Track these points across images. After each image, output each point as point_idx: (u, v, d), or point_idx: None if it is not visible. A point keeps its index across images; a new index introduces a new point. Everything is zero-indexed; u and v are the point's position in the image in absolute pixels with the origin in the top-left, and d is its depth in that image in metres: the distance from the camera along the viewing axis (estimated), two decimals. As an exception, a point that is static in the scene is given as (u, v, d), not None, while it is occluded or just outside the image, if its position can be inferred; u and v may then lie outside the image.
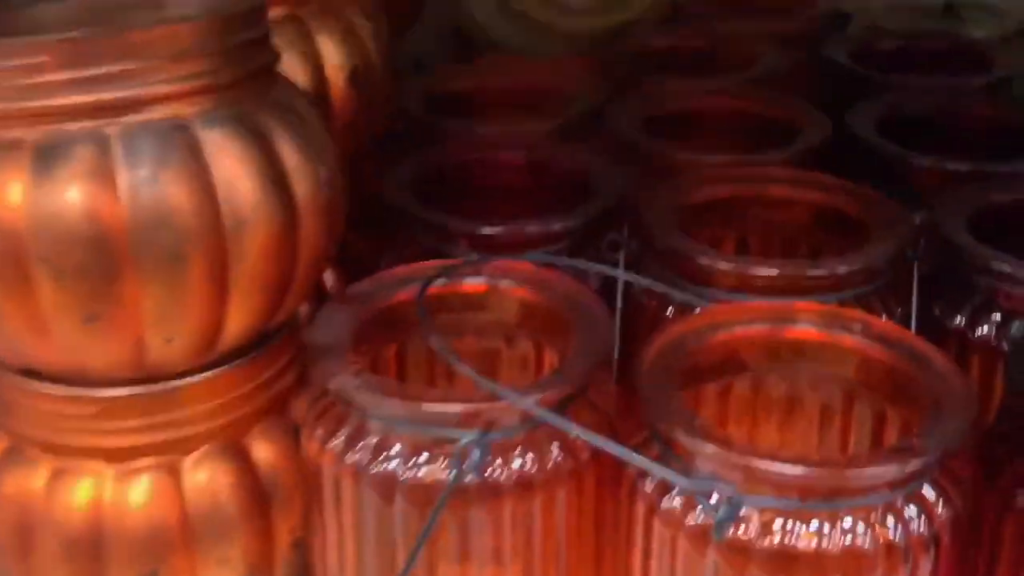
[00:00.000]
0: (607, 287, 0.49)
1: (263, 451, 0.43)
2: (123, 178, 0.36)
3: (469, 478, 0.36)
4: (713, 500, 0.34)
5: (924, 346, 0.40)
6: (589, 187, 0.54)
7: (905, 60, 0.72)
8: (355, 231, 0.49)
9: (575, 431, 0.36)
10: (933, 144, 0.57)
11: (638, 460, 0.35)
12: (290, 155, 0.39)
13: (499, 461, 0.38)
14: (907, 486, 0.35)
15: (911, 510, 0.35)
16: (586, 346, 0.40)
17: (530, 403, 0.36)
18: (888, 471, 0.35)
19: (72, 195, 0.36)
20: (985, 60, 0.72)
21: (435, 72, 0.76)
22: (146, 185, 0.36)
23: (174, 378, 0.41)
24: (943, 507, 0.36)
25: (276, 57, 0.42)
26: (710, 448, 0.35)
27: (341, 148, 0.47)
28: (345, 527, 0.40)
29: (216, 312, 0.39)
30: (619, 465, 0.38)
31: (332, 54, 0.52)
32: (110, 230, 0.36)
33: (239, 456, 0.42)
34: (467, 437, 0.36)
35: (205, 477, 0.42)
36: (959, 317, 0.48)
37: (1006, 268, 0.47)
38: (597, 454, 0.39)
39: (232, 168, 0.37)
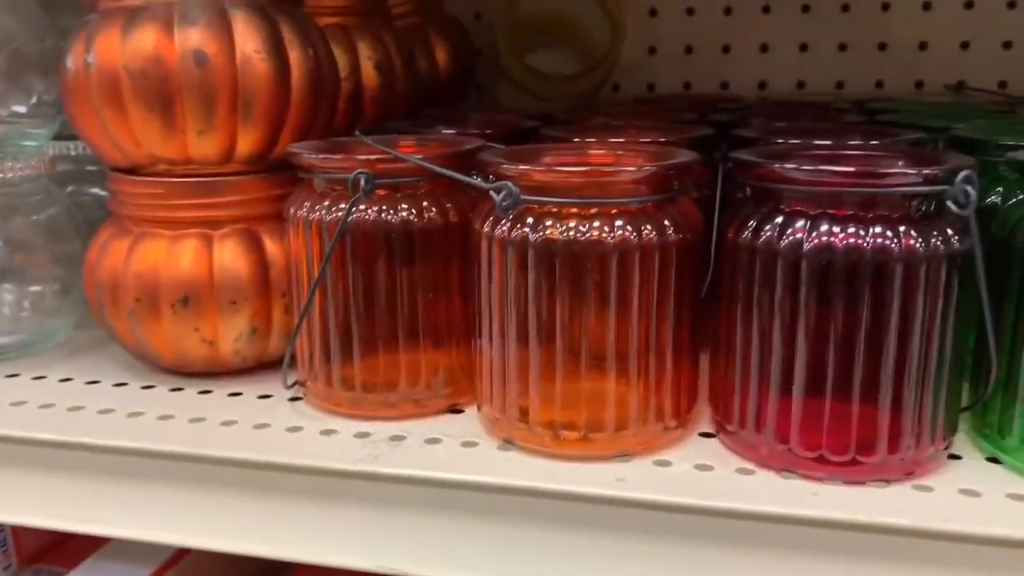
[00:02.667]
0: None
1: (267, 241, 0.49)
2: (178, 35, 0.45)
3: (360, 207, 0.43)
4: (501, 195, 0.39)
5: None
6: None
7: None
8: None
9: (426, 163, 0.42)
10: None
11: (458, 176, 0.41)
12: (289, 36, 0.47)
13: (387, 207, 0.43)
14: (651, 194, 0.39)
15: (648, 221, 0.39)
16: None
17: (413, 158, 0.43)
18: (636, 173, 0.39)
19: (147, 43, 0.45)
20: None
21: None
22: (192, 39, 0.45)
23: (210, 176, 0.48)
24: (674, 230, 0.40)
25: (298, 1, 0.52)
26: (503, 161, 0.40)
27: (373, 114, 0.57)
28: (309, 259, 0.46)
29: (231, 127, 0.46)
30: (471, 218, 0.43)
31: (363, 49, 0.62)
32: (169, 69, 0.45)
33: (251, 239, 0.49)
34: (359, 172, 0.42)
35: (228, 246, 0.48)
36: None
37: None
38: (462, 213, 0.45)
39: (247, 34, 0.46)
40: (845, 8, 0.85)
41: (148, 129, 0.46)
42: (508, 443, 0.42)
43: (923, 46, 0.85)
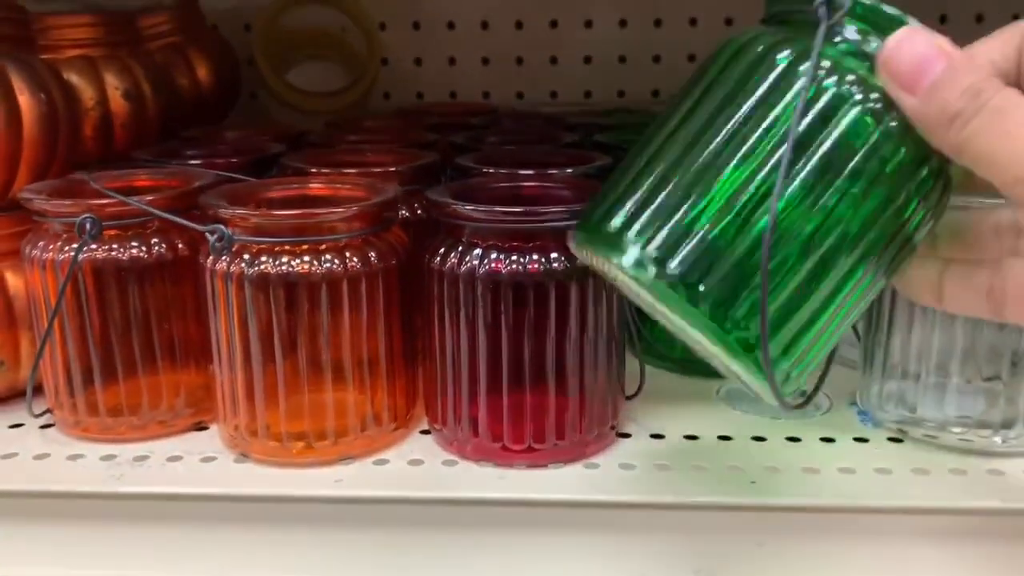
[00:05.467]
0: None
1: (10, 276, 0.52)
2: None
3: (87, 247, 0.47)
4: (215, 237, 0.44)
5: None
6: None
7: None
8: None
9: (142, 204, 0.46)
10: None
11: (177, 219, 0.46)
12: (18, 82, 0.50)
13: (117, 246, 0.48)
14: (359, 229, 0.45)
15: (355, 253, 0.45)
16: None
17: (135, 201, 0.47)
18: (340, 215, 0.44)
19: None
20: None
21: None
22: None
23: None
24: (378, 259, 0.46)
25: (29, 40, 0.55)
26: (220, 204, 0.45)
27: (124, 139, 0.61)
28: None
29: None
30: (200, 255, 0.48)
31: (110, 79, 0.65)
32: None
33: (-7, 277, 0.52)
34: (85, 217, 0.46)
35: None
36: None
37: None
38: (192, 245, 0.49)
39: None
40: (588, 24, 0.95)
41: None
42: (244, 456, 0.48)
43: (656, 59, 0.95)
